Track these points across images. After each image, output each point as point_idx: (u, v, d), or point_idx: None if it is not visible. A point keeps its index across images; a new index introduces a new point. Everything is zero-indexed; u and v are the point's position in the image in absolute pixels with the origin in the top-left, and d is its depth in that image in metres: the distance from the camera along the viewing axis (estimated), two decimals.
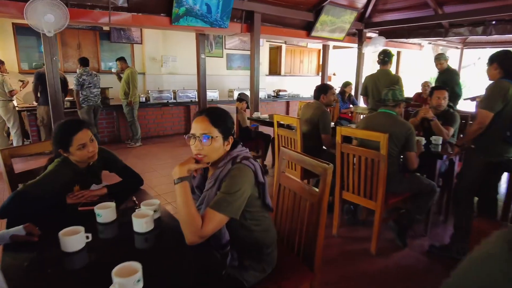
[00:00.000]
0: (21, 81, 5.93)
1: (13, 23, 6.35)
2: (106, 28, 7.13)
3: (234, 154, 1.39)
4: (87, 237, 1.26)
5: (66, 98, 5.92)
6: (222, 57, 8.95)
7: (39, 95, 5.32)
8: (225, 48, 8.95)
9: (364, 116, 4.46)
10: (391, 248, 2.72)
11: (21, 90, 5.94)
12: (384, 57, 4.33)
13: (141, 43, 7.66)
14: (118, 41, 7.37)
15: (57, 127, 1.74)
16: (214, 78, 8.63)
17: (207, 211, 1.25)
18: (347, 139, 2.77)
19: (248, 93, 6.06)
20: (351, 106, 6.18)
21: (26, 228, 1.30)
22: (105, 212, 1.45)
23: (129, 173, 1.97)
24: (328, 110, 3.49)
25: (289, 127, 3.74)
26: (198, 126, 1.33)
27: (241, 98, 4.58)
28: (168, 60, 8.03)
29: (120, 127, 6.70)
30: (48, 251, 1.26)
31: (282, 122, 3.61)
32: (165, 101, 7.20)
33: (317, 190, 1.57)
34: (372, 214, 2.66)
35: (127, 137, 6.63)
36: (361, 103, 6.13)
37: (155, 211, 1.48)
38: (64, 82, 5.51)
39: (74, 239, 1.22)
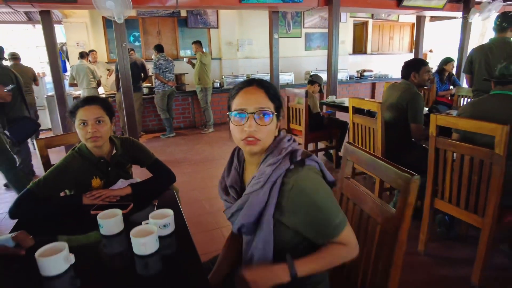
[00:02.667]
0: (108, 69, 6.33)
1: (103, 16, 6.77)
2: (183, 13, 7.17)
3: (285, 145, 0.98)
4: (68, 259, 0.99)
5: (144, 84, 6.12)
6: (300, 37, 8.37)
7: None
8: (303, 27, 8.34)
9: (470, 100, 3.52)
10: (503, 280, 1.99)
11: (108, 78, 6.35)
12: (503, 22, 3.30)
13: (217, 27, 7.55)
14: (195, 26, 7.37)
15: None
16: (291, 60, 8.12)
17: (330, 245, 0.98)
18: (444, 131, 2.08)
19: (325, 74, 5.46)
20: (451, 87, 5.10)
21: (15, 238, 1.09)
22: (108, 223, 1.18)
23: (160, 169, 1.70)
24: (421, 92, 2.75)
25: (369, 113, 3.10)
26: (251, 99, 0.95)
27: (313, 80, 4.04)
28: (244, 44, 7.80)
29: (195, 113, 6.74)
30: (27, 272, 1.02)
31: (359, 107, 3.00)
32: None
33: (393, 210, 1.06)
34: (476, 229, 1.95)
35: (201, 123, 6.64)
36: (464, 84, 5.01)
37: (164, 226, 1.15)
38: (142, 68, 5.67)
39: (50, 261, 0.95)
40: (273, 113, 0.96)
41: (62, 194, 1.56)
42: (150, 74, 6.12)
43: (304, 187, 0.92)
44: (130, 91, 4.56)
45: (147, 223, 1.15)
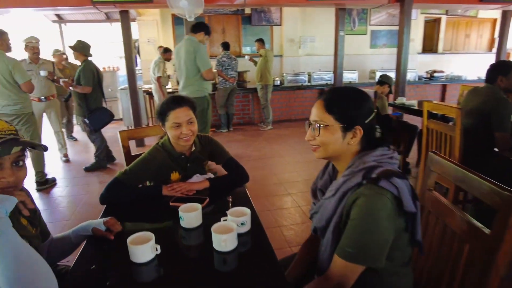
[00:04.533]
0: (174, 65, 6.66)
1: (172, 14, 7.13)
2: (247, 11, 7.27)
3: (369, 162, 0.97)
4: (156, 249, 1.05)
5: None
6: (366, 34, 8.04)
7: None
8: (369, 24, 7.99)
9: None
10: None
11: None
12: None
13: (280, 25, 7.55)
14: (258, 23, 7.44)
15: (163, 100, 1.64)
16: (355, 58, 7.84)
17: (333, 260, 0.95)
18: None
19: (393, 74, 5.18)
20: None
21: (106, 223, 1.19)
22: (188, 217, 1.23)
23: (235, 167, 1.74)
24: (509, 98, 2.49)
25: (444, 118, 2.88)
26: (313, 112, 1.05)
27: (383, 80, 3.85)
28: (306, 41, 7.70)
29: (255, 110, 6.82)
30: (117, 256, 1.11)
31: (434, 112, 2.79)
32: (300, 84, 6.94)
33: (487, 231, 0.97)
34: None
35: (260, 120, 6.70)
36: None
37: (242, 223, 1.17)
38: None
39: (139, 249, 1.02)
40: (323, 125, 1.00)
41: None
42: (213, 70, 6.30)
43: (361, 205, 0.92)
44: None
45: (225, 220, 1.18)
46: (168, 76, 6.29)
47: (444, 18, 8.41)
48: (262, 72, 5.95)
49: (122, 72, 8.00)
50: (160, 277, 1.02)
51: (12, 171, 0.92)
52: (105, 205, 1.45)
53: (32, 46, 4.07)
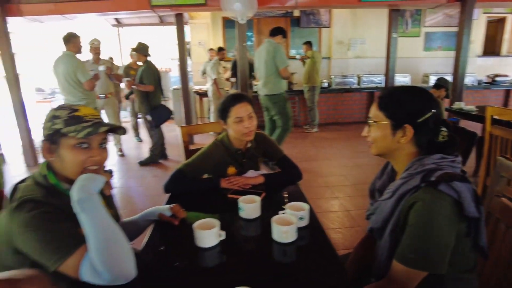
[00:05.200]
0: (224, 67, 6.84)
1: (222, 17, 7.35)
2: (296, 13, 7.29)
3: (428, 164, 0.95)
4: (220, 235, 1.11)
5: (255, 83, 6.42)
6: (419, 36, 7.68)
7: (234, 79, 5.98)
8: (423, 26, 7.64)
9: None
10: None
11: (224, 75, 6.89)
12: None
13: (329, 27, 7.46)
14: (307, 26, 7.42)
15: (223, 98, 1.72)
16: (407, 61, 7.53)
17: (393, 265, 0.94)
18: None
19: (449, 78, 4.90)
20: None
21: (171, 209, 1.27)
22: (248, 208, 1.28)
23: (289, 165, 1.78)
24: None
25: (509, 125, 2.69)
26: (370, 109, 1.08)
27: (439, 84, 3.67)
28: (356, 43, 7.54)
29: (300, 112, 6.80)
30: (182, 240, 1.19)
31: (499, 118, 2.62)
32: (348, 86, 6.81)
33: None
34: None
35: (306, 122, 6.67)
36: None
37: (301, 218, 1.19)
38: (253, 66, 5.97)
39: (206, 234, 1.08)
40: (375, 121, 1.03)
41: None
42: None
43: (419, 210, 0.90)
44: (246, 87, 4.85)
45: (284, 213, 1.21)
46: (227, 79, 6.32)
47: (510, 18, 7.81)
48: (310, 74, 5.93)
49: (174, 73, 8.39)
50: (222, 263, 1.08)
51: (99, 151, 1.02)
52: (169, 194, 1.55)
53: (95, 47, 4.42)
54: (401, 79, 6.85)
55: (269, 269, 1.03)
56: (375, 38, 7.32)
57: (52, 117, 0.99)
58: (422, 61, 7.77)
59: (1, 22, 4.31)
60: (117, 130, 1.06)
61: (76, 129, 0.96)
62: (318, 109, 6.27)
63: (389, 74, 5.89)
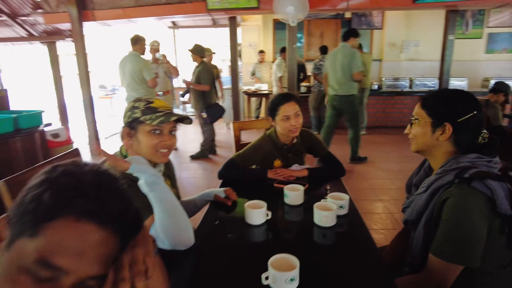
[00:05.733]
0: (271, 68, 7.01)
1: (273, 19, 7.52)
2: (347, 15, 7.25)
3: (463, 162, 1.00)
4: (267, 215, 1.26)
5: (303, 84, 6.52)
6: (481, 38, 7.25)
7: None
8: (487, 27, 7.19)
9: None
10: None
11: (271, 76, 7.05)
12: None
13: (381, 28, 7.32)
14: (358, 27, 7.33)
15: (272, 97, 1.86)
16: (465, 64, 7.14)
17: (429, 259, 1.01)
18: None
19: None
20: None
21: (225, 192, 1.45)
22: (293, 194, 1.42)
23: (333, 161, 1.88)
24: None
25: None
26: (415, 108, 1.15)
27: (498, 88, 3.52)
28: (410, 45, 7.30)
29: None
30: (234, 218, 1.36)
31: None
32: (399, 89, 6.65)
33: None
34: None
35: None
36: None
37: (341, 206, 1.30)
38: (302, 68, 6.07)
39: (255, 212, 1.24)
40: (416, 119, 1.10)
41: None
42: (309, 74, 6.47)
43: (452, 206, 0.95)
44: (294, 88, 4.98)
45: (326, 200, 1.33)
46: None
47: None
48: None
49: (224, 74, 8.75)
50: (268, 239, 1.23)
51: (169, 137, 1.21)
52: (221, 181, 1.74)
53: (155, 48, 4.80)
54: (457, 83, 6.53)
55: (309, 248, 1.16)
56: (430, 40, 7.04)
57: (132, 107, 1.20)
58: (483, 64, 7.32)
59: (78, 27, 4.86)
60: (184, 120, 1.25)
61: (151, 117, 1.16)
62: (366, 111, 6.20)
63: (443, 77, 5.66)
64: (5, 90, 3.54)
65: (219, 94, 5.23)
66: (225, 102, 6.66)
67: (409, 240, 1.16)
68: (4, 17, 5.26)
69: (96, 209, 0.50)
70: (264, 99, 6.88)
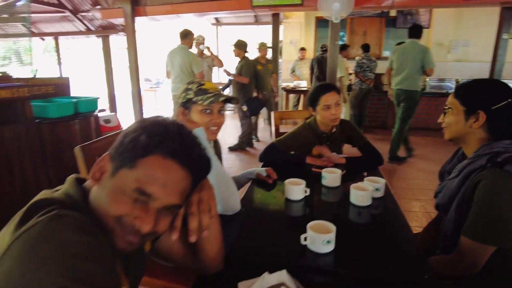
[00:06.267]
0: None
1: (316, 17, 7.53)
2: (392, 13, 7.09)
3: (495, 148, 1.03)
4: (306, 191, 1.35)
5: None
6: None
7: (313, 77, 6.08)
8: None
9: None
10: None
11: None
12: None
13: (428, 27, 7.08)
14: (403, 26, 7.15)
15: (312, 88, 1.94)
16: None
17: (461, 240, 1.05)
18: None
19: None
20: None
21: (267, 171, 1.57)
22: (330, 177, 1.50)
23: (371, 151, 1.93)
24: None
25: None
26: (448, 98, 1.19)
27: None
28: (458, 45, 7.00)
29: (388, 114, 6.63)
30: (274, 194, 1.47)
31: None
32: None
33: None
34: None
35: (392, 124, 6.47)
36: None
37: (376, 189, 1.37)
38: None
39: (294, 188, 1.34)
40: (449, 107, 1.14)
41: None
42: (351, 71, 6.42)
43: (483, 188, 0.98)
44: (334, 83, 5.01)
45: (362, 183, 1.40)
46: (349, 74, 6.30)
47: None
48: None
49: None
50: (305, 214, 1.32)
51: (218, 115, 1.34)
52: (262, 164, 1.85)
53: (200, 42, 5.02)
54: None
55: (345, 223, 1.24)
56: (481, 39, 6.71)
57: (186, 89, 1.34)
58: None
59: (131, 22, 5.19)
60: (232, 100, 1.37)
61: (202, 98, 1.29)
62: None
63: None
64: (67, 78, 3.89)
65: (274, 90, 5.12)
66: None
67: (441, 225, 1.21)
68: (67, 13, 5.74)
69: (179, 151, 0.63)
70: (302, 96, 6.90)
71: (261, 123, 6.82)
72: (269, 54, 5.36)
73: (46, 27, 6.62)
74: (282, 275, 0.75)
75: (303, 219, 1.27)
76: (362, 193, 1.29)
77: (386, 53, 7.38)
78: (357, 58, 5.94)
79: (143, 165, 0.61)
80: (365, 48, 5.92)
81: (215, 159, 1.22)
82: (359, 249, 1.05)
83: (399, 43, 5.95)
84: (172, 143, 0.63)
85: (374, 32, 7.39)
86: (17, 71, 4.57)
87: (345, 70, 5.82)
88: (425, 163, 4.51)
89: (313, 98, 1.89)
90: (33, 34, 5.94)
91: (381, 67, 6.39)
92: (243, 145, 4.96)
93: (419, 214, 2.99)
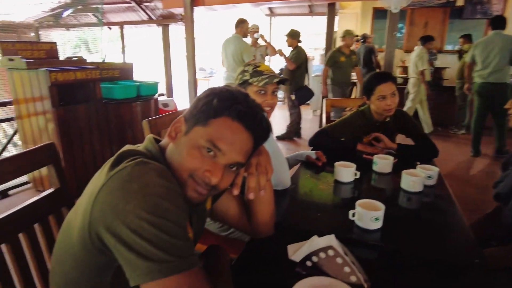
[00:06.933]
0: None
1: (373, 7, 7.26)
2: (459, 3, 6.60)
3: None
4: (356, 174, 1.38)
5: (399, 75, 6.21)
6: None
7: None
8: None
9: None
10: None
11: None
12: None
13: None
14: (471, 17, 6.64)
15: (367, 77, 1.92)
16: None
17: None
18: None
19: None
20: None
21: (316, 154, 1.61)
22: (382, 163, 1.50)
23: (425, 142, 1.87)
24: None
25: None
26: None
27: None
28: None
29: (447, 110, 6.24)
30: (324, 175, 1.51)
31: None
32: None
33: None
34: None
35: (452, 122, 6.09)
36: None
37: (429, 177, 1.35)
38: (372, 51, 5.84)
39: (344, 170, 1.37)
40: None
41: None
42: (407, 65, 6.12)
43: None
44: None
45: (414, 170, 1.39)
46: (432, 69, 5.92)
47: None
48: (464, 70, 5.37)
49: (315, 62, 8.77)
50: (354, 197, 1.34)
51: (272, 96, 1.40)
52: (311, 148, 1.89)
53: (254, 31, 5.09)
54: None
55: (394, 206, 1.25)
56: None
57: (243, 71, 1.41)
58: None
59: (190, 11, 5.41)
60: (285, 81, 1.42)
61: (257, 79, 1.35)
62: (469, 109, 5.65)
63: None
64: (131, 63, 4.20)
65: (359, 84, 5.02)
66: (314, 89, 6.74)
67: (501, 215, 1.17)
68: (132, 3, 6.14)
69: (245, 115, 0.71)
70: (354, 88, 6.73)
71: (310, 114, 6.78)
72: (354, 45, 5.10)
73: (113, 17, 7.14)
74: (330, 239, 0.80)
75: (351, 200, 1.30)
76: (414, 178, 1.28)
77: (448, 47, 6.92)
78: (415, 50, 5.63)
79: (215, 125, 0.70)
80: (426, 40, 5.58)
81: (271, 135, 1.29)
82: (407, 230, 1.07)
83: (464, 36, 5.58)
84: (240, 107, 0.71)
85: (437, 24, 6.94)
86: (87, 58, 5.01)
87: (427, 63, 5.26)
88: (481, 164, 4.23)
89: (368, 88, 1.87)
90: (103, 24, 6.45)
91: (444, 61, 6.03)
92: (291, 134, 5.00)
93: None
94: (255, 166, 0.80)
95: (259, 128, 0.74)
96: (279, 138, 4.99)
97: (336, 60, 4.69)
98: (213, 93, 0.73)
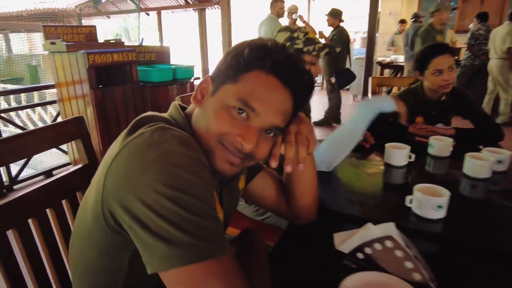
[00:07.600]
0: None
1: None
2: None
3: None
4: (410, 157, 1.21)
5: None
6: None
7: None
8: None
9: None
10: None
11: None
12: None
13: None
14: None
15: (421, 49, 1.71)
16: None
17: None
18: None
19: None
20: None
21: (364, 136, 1.44)
22: (439, 145, 1.32)
23: (487, 123, 1.63)
24: None
25: None
26: None
27: None
28: None
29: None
30: (373, 157, 1.37)
31: None
32: None
33: None
34: None
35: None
36: None
37: (499, 161, 1.15)
38: None
39: (397, 153, 1.21)
40: None
41: None
42: (462, 45, 5.60)
43: None
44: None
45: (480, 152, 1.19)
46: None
47: None
48: None
49: (356, 46, 8.36)
50: (407, 182, 1.18)
51: (316, 68, 1.27)
52: None
53: (293, 12, 4.87)
54: None
55: (456, 194, 1.07)
56: None
57: (291, 38, 1.26)
58: None
59: None
60: (332, 51, 1.27)
61: (313, 48, 1.22)
62: None
63: None
64: (168, 47, 4.18)
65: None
66: (357, 72, 6.40)
67: None
68: None
69: (282, 68, 0.59)
70: (399, 73, 6.32)
71: (350, 99, 6.48)
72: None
73: (150, 2, 7.20)
74: (389, 228, 0.66)
75: (404, 186, 1.14)
76: (481, 162, 1.09)
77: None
78: (472, 29, 5.12)
79: (246, 80, 0.58)
80: (482, 17, 5.06)
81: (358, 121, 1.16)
82: (475, 222, 0.90)
83: None
84: (275, 57, 0.59)
85: (495, 0, 6.29)
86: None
87: None
88: None
89: (421, 61, 1.66)
90: (140, 10, 6.51)
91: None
92: (330, 120, 4.78)
93: None
94: (294, 134, 0.67)
95: (299, 84, 0.62)
96: (317, 124, 4.79)
97: (433, 37, 4.22)
98: (243, 44, 0.61)
